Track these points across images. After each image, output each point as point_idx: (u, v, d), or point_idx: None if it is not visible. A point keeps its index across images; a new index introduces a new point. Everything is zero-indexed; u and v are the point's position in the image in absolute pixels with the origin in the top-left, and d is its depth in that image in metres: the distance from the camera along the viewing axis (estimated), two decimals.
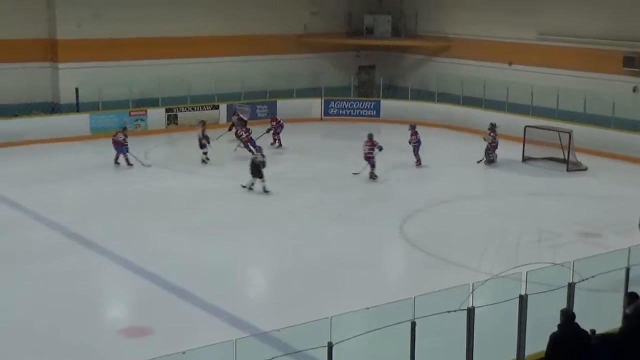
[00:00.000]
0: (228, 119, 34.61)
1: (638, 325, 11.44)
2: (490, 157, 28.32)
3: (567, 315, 10.86)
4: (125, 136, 27.53)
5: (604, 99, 30.60)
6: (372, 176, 25.72)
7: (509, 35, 35.41)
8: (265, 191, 24.10)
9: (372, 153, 25.82)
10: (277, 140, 31.23)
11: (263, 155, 24.41)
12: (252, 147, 27.49)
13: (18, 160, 28.24)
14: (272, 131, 31.32)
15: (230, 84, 35.50)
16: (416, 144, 28.10)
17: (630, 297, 11.77)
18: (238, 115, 31.86)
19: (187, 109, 34.34)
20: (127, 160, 27.40)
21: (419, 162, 27.82)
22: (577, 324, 10.90)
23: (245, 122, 31.16)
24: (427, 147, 28.36)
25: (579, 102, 31.31)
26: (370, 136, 26.09)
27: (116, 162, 27.46)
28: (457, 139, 31.76)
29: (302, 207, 23.11)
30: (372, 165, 25.86)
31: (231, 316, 15.13)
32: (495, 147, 28.32)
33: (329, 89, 37.63)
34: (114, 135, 27.64)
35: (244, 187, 24.35)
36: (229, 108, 34.99)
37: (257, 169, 24.17)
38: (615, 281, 12.18)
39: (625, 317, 11.81)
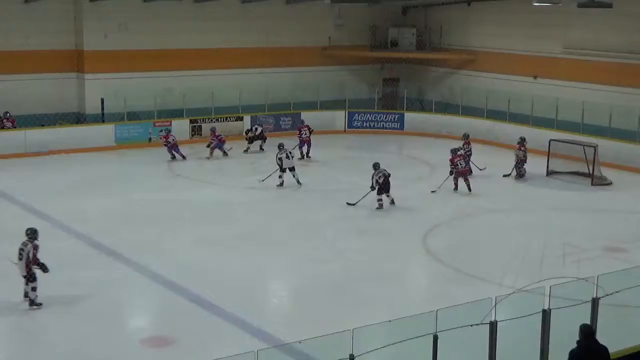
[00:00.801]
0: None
1: None
2: (520, 172, 28.19)
3: (586, 331, 10.79)
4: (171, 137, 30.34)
5: (630, 113, 30.45)
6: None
7: (534, 49, 35.35)
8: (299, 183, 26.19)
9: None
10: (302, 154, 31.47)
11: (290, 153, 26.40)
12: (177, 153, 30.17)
13: (44, 170, 28.52)
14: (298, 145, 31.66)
15: (255, 95, 35.65)
16: (468, 152, 28.11)
17: None
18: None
19: (212, 120, 34.47)
20: (181, 156, 30.41)
21: (470, 171, 27.48)
22: (596, 340, 10.85)
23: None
24: (447, 160, 28.31)
25: (604, 116, 31.14)
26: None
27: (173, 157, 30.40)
28: (482, 152, 31.67)
29: (325, 219, 23.12)
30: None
31: (253, 327, 15.16)
32: (525, 161, 28.21)
33: (353, 102, 37.69)
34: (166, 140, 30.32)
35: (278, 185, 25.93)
36: (252, 120, 35.12)
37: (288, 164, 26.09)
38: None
39: None
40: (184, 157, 30.44)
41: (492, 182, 27.52)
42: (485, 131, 34.44)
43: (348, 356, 9.44)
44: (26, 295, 15.91)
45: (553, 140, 29.34)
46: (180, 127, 33.64)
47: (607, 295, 11.53)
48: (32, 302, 15.84)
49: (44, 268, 16.00)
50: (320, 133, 35.42)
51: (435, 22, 39.81)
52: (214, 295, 16.75)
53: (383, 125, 37.34)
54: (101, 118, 33.32)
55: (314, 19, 38.31)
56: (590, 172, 27.98)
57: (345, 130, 37.15)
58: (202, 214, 23.44)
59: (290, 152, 26.89)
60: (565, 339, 11.46)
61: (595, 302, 11.55)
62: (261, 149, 32.28)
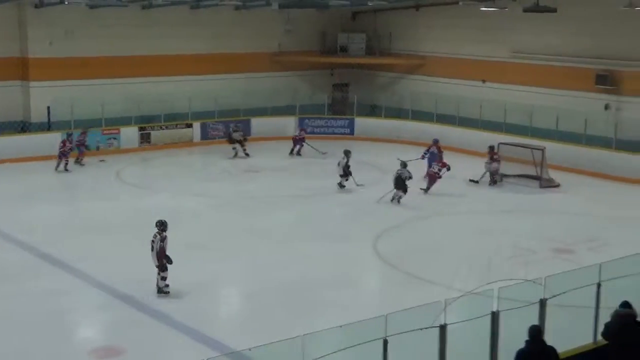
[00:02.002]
0: (203, 137, 34.81)
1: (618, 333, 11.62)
2: (495, 179, 28.34)
3: (533, 333, 10.95)
4: None
5: (577, 116, 30.88)
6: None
7: (482, 53, 35.67)
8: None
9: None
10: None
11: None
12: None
13: None
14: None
15: (205, 102, 35.47)
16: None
17: (621, 305, 11.88)
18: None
19: (161, 128, 34.26)
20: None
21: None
22: (543, 341, 11.01)
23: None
24: (398, 164, 28.44)
25: (551, 119, 31.58)
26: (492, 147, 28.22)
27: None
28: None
29: (276, 225, 23.08)
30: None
31: (204, 336, 15.05)
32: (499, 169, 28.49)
33: (303, 107, 37.72)
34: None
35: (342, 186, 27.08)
36: (202, 127, 35.00)
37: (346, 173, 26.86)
38: (587, 297, 12.25)
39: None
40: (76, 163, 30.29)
41: (442, 186, 27.69)
42: (434, 136, 34.63)
43: None
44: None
45: (502, 143, 29.62)
46: (129, 135, 33.40)
47: (555, 296, 11.65)
48: (160, 290, 16.99)
49: (169, 260, 16.96)
50: (272, 139, 35.56)
51: (385, 28, 39.98)
52: (164, 304, 16.62)
53: (333, 130, 37.44)
54: (47, 126, 32.86)
55: (263, 25, 38.23)
56: (539, 174, 28.32)
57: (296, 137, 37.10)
58: (150, 222, 23.14)
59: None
60: (514, 340, 11.56)
61: (543, 303, 11.66)
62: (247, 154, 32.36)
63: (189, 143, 34.42)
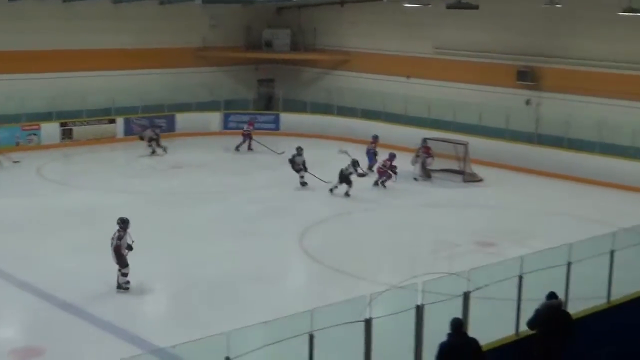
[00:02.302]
0: (126, 133, 34.37)
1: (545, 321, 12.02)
2: (427, 172, 28.56)
3: (455, 325, 11.14)
4: None
5: (499, 112, 31.37)
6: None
7: (406, 49, 35.93)
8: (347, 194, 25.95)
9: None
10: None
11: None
12: None
13: None
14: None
15: (128, 97, 35.00)
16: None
17: (548, 296, 12.31)
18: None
19: (83, 124, 33.71)
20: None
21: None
22: (465, 333, 11.20)
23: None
24: (324, 160, 28.52)
25: (474, 114, 32.02)
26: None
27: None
28: (354, 152, 31.93)
29: (201, 222, 22.91)
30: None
31: (128, 334, 14.88)
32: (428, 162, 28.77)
33: (228, 103, 37.53)
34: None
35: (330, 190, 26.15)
36: (125, 122, 34.56)
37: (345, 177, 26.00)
38: (509, 289, 12.41)
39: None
40: None
41: (366, 181, 27.83)
42: (360, 131, 34.89)
43: (224, 359, 9.35)
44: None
45: (426, 138, 29.90)
46: (50, 131, 32.78)
47: (478, 289, 11.78)
48: (120, 286, 17.08)
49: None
50: (196, 135, 35.33)
51: (309, 23, 39.98)
52: (88, 302, 16.37)
53: (259, 126, 37.18)
54: None
55: (187, 19, 37.82)
56: (462, 169, 28.68)
57: (221, 132, 36.94)
58: (71, 219, 22.83)
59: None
60: (438, 333, 11.68)
61: (466, 296, 11.78)
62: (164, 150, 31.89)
63: (112, 139, 33.96)
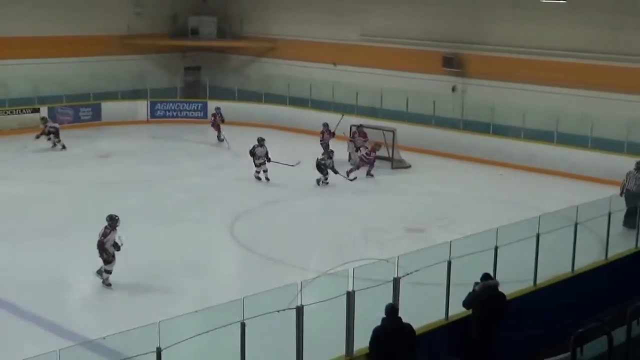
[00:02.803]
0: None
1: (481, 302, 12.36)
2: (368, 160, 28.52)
3: (389, 310, 11.30)
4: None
5: (425, 98, 31.64)
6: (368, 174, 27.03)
7: (333, 36, 35.94)
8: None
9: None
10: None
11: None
12: None
13: None
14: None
15: (52, 86, 34.34)
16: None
17: (483, 277, 12.66)
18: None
19: (6, 113, 33.02)
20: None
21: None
22: (399, 318, 11.32)
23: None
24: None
25: (401, 101, 32.23)
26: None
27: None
28: (284, 138, 31.96)
29: (129, 211, 22.57)
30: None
31: (55, 325, 14.68)
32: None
33: (154, 91, 37.09)
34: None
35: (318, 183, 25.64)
36: (50, 111, 33.93)
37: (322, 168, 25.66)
38: (439, 274, 12.58)
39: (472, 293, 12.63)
40: None
41: (295, 170, 27.85)
42: (287, 118, 34.91)
43: (155, 349, 9.29)
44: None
45: (354, 125, 30.02)
46: None
47: (408, 274, 11.91)
48: (104, 282, 16.82)
49: (107, 255, 16.79)
50: (122, 124, 34.90)
51: (236, 10, 39.75)
52: (10, 293, 16.06)
53: (186, 114, 37.05)
54: None
55: (111, 7, 37.23)
56: (390, 155, 28.87)
57: (147, 120, 36.54)
58: None
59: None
60: (370, 318, 11.79)
61: (396, 282, 11.90)
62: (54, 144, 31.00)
63: (36, 128, 33.29)
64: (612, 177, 25.16)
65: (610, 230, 15.99)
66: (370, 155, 27.04)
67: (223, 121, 32.53)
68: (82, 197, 23.98)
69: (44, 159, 29.09)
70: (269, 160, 25.84)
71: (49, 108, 34.03)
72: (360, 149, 27.61)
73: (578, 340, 8.59)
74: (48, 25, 35.19)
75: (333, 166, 25.78)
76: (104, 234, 16.62)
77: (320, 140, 29.18)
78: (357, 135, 28.79)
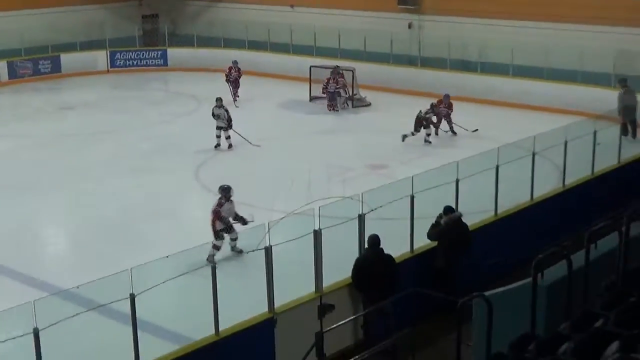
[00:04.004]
0: (10, 77, 33.28)
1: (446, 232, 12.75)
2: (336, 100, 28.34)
3: (372, 241, 11.72)
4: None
5: (383, 37, 31.52)
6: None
7: None
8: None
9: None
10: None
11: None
12: None
13: None
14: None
15: (10, 40, 33.69)
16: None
17: (446, 210, 13.00)
18: None
19: None
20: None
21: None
22: (381, 248, 11.73)
23: None
24: (216, 93, 28.21)
25: (359, 40, 32.11)
26: None
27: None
28: (246, 83, 31.76)
29: (96, 162, 22.52)
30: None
31: (29, 277, 14.66)
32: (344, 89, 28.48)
33: (113, 41, 36.52)
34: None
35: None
36: (9, 65, 33.41)
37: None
38: (402, 209, 12.69)
39: (436, 225, 13.00)
40: None
41: (255, 112, 27.81)
42: (247, 62, 34.65)
43: (128, 295, 9.35)
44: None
45: (313, 66, 29.94)
46: None
47: (372, 210, 12.02)
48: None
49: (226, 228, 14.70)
50: (83, 74, 34.48)
51: None
52: None
53: (147, 62, 36.64)
54: None
55: None
56: (350, 94, 28.84)
57: (108, 70, 36.09)
58: None
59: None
60: (337, 255, 11.94)
61: (361, 218, 12.02)
62: None
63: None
64: (567, 106, 25.44)
65: (567, 158, 16.18)
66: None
67: (240, 76, 29.70)
68: (47, 150, 23.76)
69: (5, 114, 28.70)
70: (230, 126, 23.39)
71: (7, 62, 33.50)
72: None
73: (539, 265, 8.74)
74: None
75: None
76: (219, 204, 15.18)
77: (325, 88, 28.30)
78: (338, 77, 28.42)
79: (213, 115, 23.48)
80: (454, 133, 24.43)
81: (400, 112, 27.66)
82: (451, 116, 24.32)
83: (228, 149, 23.29)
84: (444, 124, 24.47)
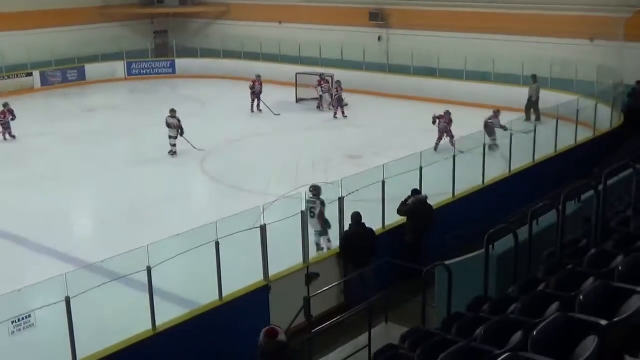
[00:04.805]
0: (42, 84, 32.99)
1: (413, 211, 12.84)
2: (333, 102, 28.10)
3: (355, 218, 11.93)
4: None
5: (357, 48, 31.46)
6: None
7: None
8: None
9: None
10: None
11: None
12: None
13: None
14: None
15: (42, 53, 33.38)
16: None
17: (413, 192, 13.07)
18: None
19: (3, 77, 32.11)
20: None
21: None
22: (363, 223, 11.95)
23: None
24: (216, 95, 28.17)
25: (336, 51, 32.05)
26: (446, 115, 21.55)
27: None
28: (240, 88, 31.53)
29: (115, 154, 22.36)
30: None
31: (61, 253, 14.56)
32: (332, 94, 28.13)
33: (130, 53, 36.25)
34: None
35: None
36: (41, 74, 33.12)
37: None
38: (375, 192, 12.67)
39: (405, 204, 13.00)
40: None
41: (248, 114, 27.69)
42: (242, 70, 34.51)
43: (145, 268, 9.30)
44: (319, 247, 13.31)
45: (298, 73, 29.83)
46: None
47: (350, 193, 11.99)
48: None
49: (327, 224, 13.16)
50: (104, 81, 34.24)
51: None
52: (24, 230, 15.86)
53: (158, 70, 36.43)
54: None
55: None
56: (332, 96, 28.65)
57: (125, 78, 35.82)
58: (2, 159, 21.93)
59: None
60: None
61: (341, 200, 11.99)
62: None
63: (30, 89, 32.54)
64: (510, 104, 25.45)
65: (512, 148, 16.20)
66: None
67: (261, 91, 27.62)
68: (75, 145, 23.55)
69: (38, 115, 28.41)
70: (181, 133, 21.69)
71: (40, 72, 33.23)
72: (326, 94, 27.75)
73: (490, 238, 8.75)
74: (36, 1, 34.10)
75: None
76: (322, 203, 13.18)
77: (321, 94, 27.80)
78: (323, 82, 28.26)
79: (167, 124, 21.69)
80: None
81: (371, 111, 27.73)
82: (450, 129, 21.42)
83: (170, 154, 21.61)
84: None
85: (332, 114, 26.93)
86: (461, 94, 28.04)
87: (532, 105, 24.69)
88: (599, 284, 5.29)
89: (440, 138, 21.30)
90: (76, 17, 35.50)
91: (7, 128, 24.30)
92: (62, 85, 33.07)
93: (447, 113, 21.71)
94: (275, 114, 24.06)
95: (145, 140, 23.79)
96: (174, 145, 21.82)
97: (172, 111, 22.06)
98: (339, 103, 26.86)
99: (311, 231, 12.64)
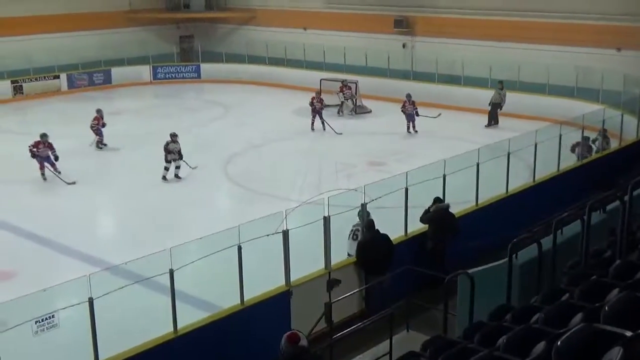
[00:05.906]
0: (70, 87, 33.30)
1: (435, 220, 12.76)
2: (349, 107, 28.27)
3: (369, 225, 11.80)
4: None
5: (381, 55, 31.44)
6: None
7: (302, 5, 35.54)
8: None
9: None
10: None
11: None
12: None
13: None
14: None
15: (69, 56, 33.72)
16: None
17: (435, 200, 13.04)
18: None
19: (31, 80, 32.49)
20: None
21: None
22: (377, 230, 11.78)
23: None
24: (241, 101, 28.23)
25: (361, 57, 32.04)
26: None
27: None
28: (266, 93, 31.63)
29: (143, 159, 22.47)
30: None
31: (86, 255, 14.66)
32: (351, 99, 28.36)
33: (155, 57, 36.55)
34: None
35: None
36: (68, 77, 33.44)
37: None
38: (398, 199, 12.62)
39: (426, 213, 12.95)
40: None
41: (274, 119, 27.74)
42: (267, 75, 34.60)
43: (168, 270, 9.32)
44: None
45: (323, 79, 29.86)
46: (3, 88, 31.51)
47: (372, 200, 11.96)
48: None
49: None
50: (130, 85, 34.48)
51: None
52: (47, 231, 15.99)
53: (183, 75, 36.64)
54: None
55: None
56: (354, 103, 28.74)
57: (151, 82, 36.08)
58: (33, 162, 22.08)
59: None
60: (343, 238, 11.88)
61: (364, 207, 11.96)
62: None
63: (57, 92, 32.87)
64: (536, 113, 25.24)
65: (536, 157, 16.08)
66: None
67: (322, 108, 25.76)
68: (102, 148, 23.69)
69: (66, 117, 28.64)
70: (180, 157, 20.32)
71: (67, 75, 33.57)
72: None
73: (514, 248, 8.69)
74: (64, 4, 34.51)
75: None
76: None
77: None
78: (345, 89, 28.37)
79: (167, 150, 20.12)
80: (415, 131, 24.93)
81: (395, 118, 27.54)
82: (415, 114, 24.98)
83: (175, 178, 20.19)
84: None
85: (354, 120, 26.91)
86: (485, 102, 27.89)
87: (495, 110, 25.75)
88: (624, 295, 5.24)
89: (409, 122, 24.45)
90: (103, 21, 35.85)
91: (99, 135, 23.63)
92: (89, 89, 33.37)
93: (408, 96, 24.68)
94: (338, 133, 24.01)
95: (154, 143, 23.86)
96: (167, 169, 20.10)
97: (174, 135, 20.44)
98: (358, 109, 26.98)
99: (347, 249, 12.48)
